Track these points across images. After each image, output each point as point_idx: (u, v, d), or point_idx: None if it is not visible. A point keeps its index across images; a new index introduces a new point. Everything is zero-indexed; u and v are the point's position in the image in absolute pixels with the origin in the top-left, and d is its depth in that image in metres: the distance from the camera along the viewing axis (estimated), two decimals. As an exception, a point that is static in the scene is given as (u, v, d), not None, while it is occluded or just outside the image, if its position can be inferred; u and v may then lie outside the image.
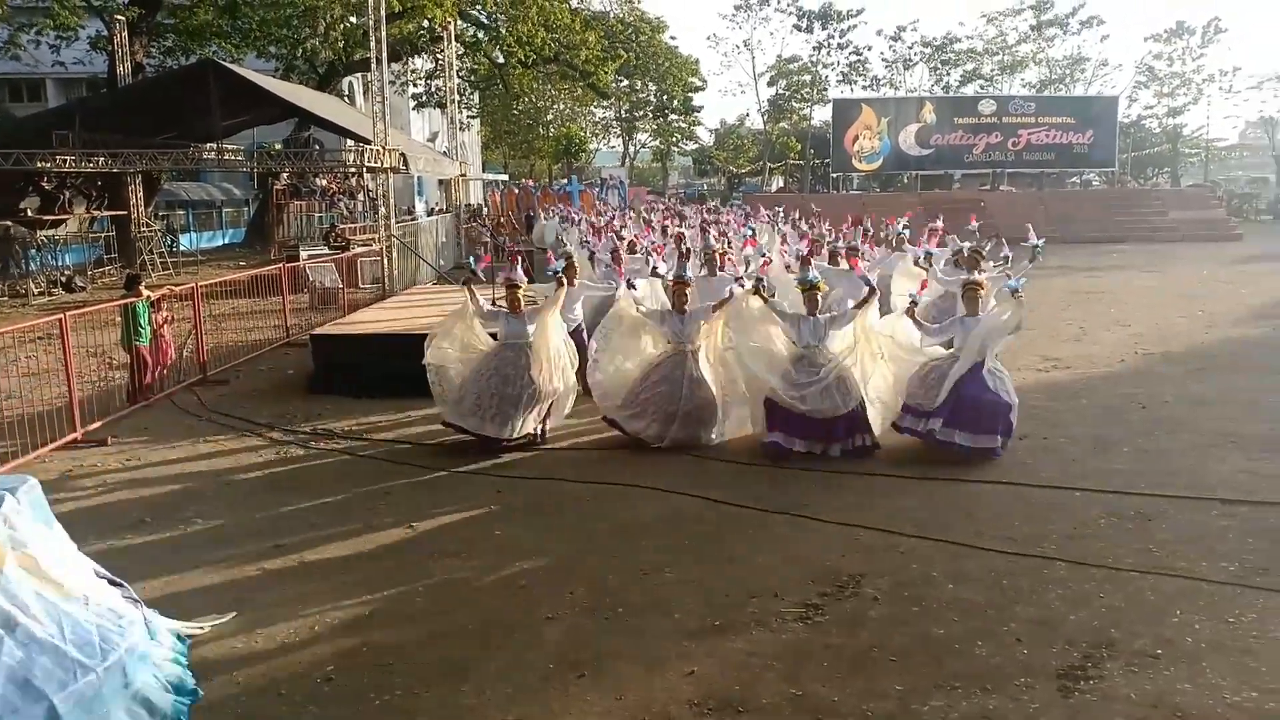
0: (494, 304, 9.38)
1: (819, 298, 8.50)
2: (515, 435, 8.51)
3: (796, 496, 7.23)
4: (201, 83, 20.30)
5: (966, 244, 11.65)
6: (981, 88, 57.97)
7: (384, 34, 20.30)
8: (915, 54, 59.70)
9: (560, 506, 7.20)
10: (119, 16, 26.47)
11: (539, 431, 8.78)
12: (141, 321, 10.53)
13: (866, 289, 8.48)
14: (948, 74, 60.20)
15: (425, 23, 30.89)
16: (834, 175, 45.82)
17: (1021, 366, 11.78)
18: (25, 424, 9.03)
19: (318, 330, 12.49)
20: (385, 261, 19.02)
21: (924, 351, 8.47)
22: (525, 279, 8.95)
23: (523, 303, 8.72)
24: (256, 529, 6.81)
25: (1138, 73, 56.38)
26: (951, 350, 8.31)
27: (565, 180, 45.92)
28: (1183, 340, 13.71)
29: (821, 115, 57.75)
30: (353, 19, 30.15)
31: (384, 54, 20.25)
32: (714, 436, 8.71)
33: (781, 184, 61.98)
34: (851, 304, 8.89)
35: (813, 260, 10.22)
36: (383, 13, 20.42)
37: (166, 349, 11.25)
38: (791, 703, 4.44)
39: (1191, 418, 9.35)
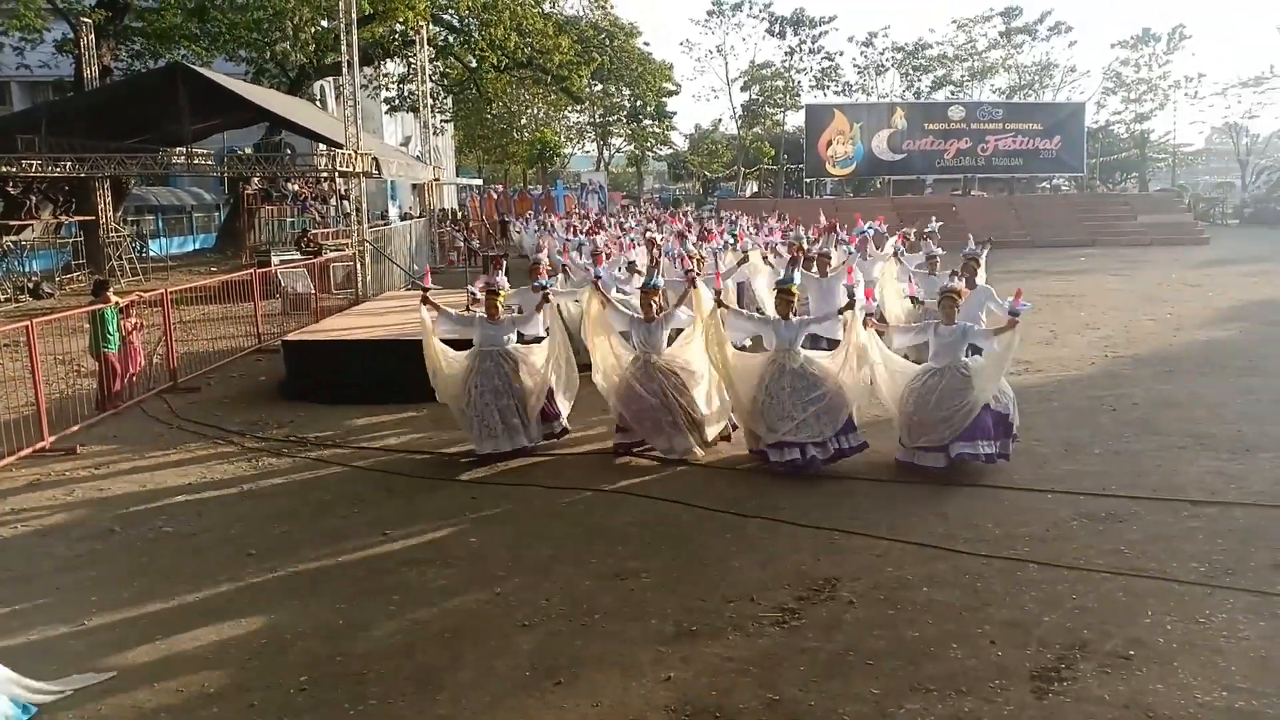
0: (468, 309, 9.27)
1: (793, 302, 8.25)
2: (535, 440, 8.54)
3: (771, 500, 7.25)
4: (170, 86, 20.05)
5: (939, 250, 11.77)
6: (952, 93, 58.47)
7: (355, 37, 20.19)
8: (887, 60, 60.17)
9: (534, 513, 7.17)
10: (85, 19, 26.11)
11: (558, 417, 8.79)
12: (110, 328, 10.40)
13: (847, 299, 8.14)
14: (919, 80, 60.66)
15: (397, 26, 30.75)
16: (807, 180, 46.02)
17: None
18: (-10, 433, 8.89)
19: (290, 336, 12.37)
20: (358, 267, 18.89)
21: (905, 372, 8.10)
22: (507, 285, 8.74)
23: (501, 310, 8.50)
24: (227, 538, 6.73)
25: (1105, 79, 57.00)
26: (926, 364, 8.03)
27: (539, 186, 45.94)
28: (1151, 343, 13.88)
29: (795, 120, 58.09)
30: (323, 22, 29.95)
31: (355, 58, 20.13)
32: (697, 450, 8.38)
33: (755, 189, 62.16)
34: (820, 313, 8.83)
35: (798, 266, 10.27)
36: (354, 16, 20.31)
37: (136, 355, 11.11)
38: (768, 707, 4.44)
39: (1160, 419, 9.47)
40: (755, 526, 6.75)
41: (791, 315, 8.16)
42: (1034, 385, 11.17)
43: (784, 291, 8.19)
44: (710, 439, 8.51)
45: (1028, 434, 8.95)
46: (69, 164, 20.51)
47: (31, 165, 20.24)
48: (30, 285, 21.40)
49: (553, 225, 23.52)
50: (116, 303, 10.61)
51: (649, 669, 4.80)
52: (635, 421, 8.43)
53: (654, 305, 8.43)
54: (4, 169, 19.91)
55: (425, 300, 8.59)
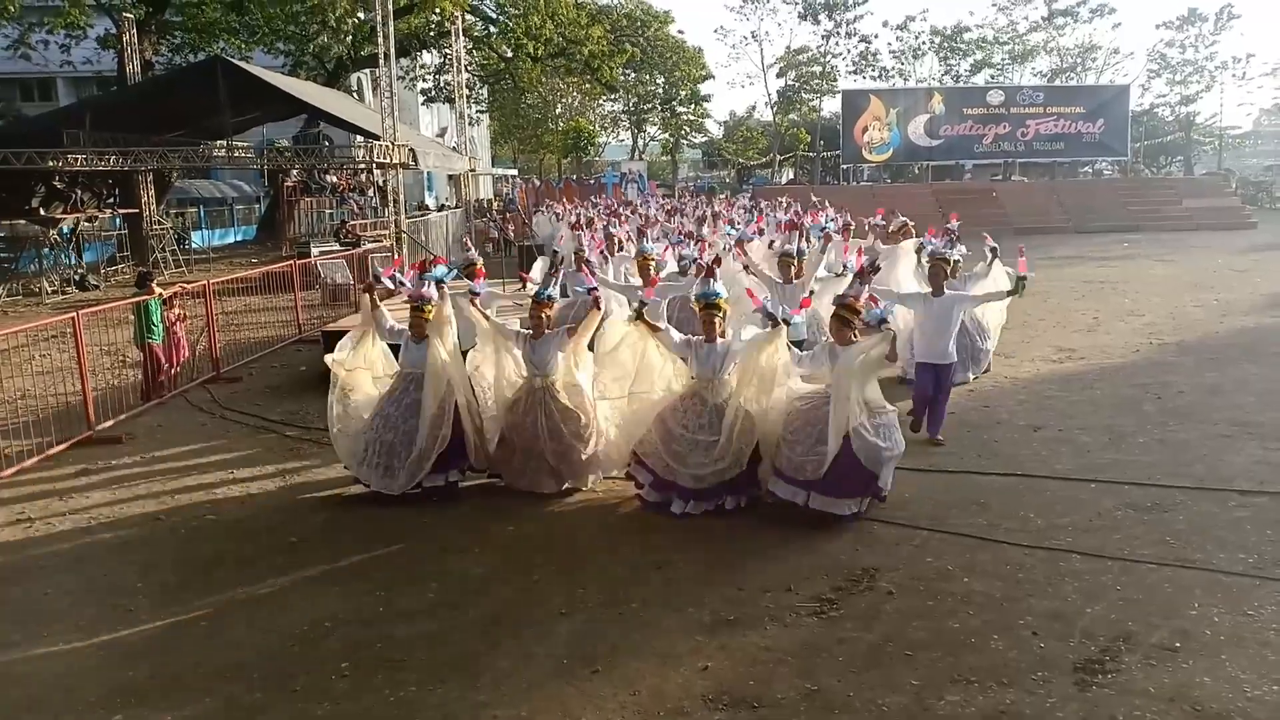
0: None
1: (718, 320, 6.79)
2: (399, 490, 7.03)
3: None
4: (210, 80, 20.29)
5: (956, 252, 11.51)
6: (992, 77, 57.68)
7: (392, 29, 20.31)
8: (924, 44, 59.47)
9: (571, 501, 7.19)
10: (127, 15, 26.51)
11: (448, 481, 7.24)
12: (154, 319, 10.56)
13: (772, 323, 6.62)
14: (957, 64, 59.89)
15: (433, 17, 30.86)
16: (844, 167, 45.65)
17: (1035, 357, 11.74)
18: (40, 422, 9.09)
19: (330, 326, 12.49)
20: (396, 257, 19.03)
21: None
22: (435, 296, 7.19)
23: (428, 327, 7.14)
24: (270, 525, 6.83)
25: (1150, 61, 55.96)
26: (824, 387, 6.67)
27: (576, 175, 45.98)
28: (1197, 330, 13.61)
29: (831, 106, 57.66)
30: (360, 14, 30.14)
31: (392, 49, 20.25)
32: (589, 483, 7.41)
33: (791, 176, 61.75)
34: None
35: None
36: (390, 7, 20.42)
37: (180, 346, 11.28)
38: (806, 698, 4.43)
39: (1206, 408, 9.28)
40: (795, 517, 6.70)
41: (720, 336, 6.80)
42: (1077, 373, 11.01)
43: (708, 307, 6.78)
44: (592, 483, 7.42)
45: (1070, 423, 8.84)
46: (113, 158, 20.86)
47: (77, 159, 20.61)
48: (76, 277, 21.81)
49: (560, 213, 23.45)
50: (160, 294, 10.77)
51: (686, 658, 4.80)
52: (501, 460, 7.38)
53: (543, 319, 7.20)
54: (50, 163, 20.29)
55: (369, 290, 7.52)
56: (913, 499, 6.94)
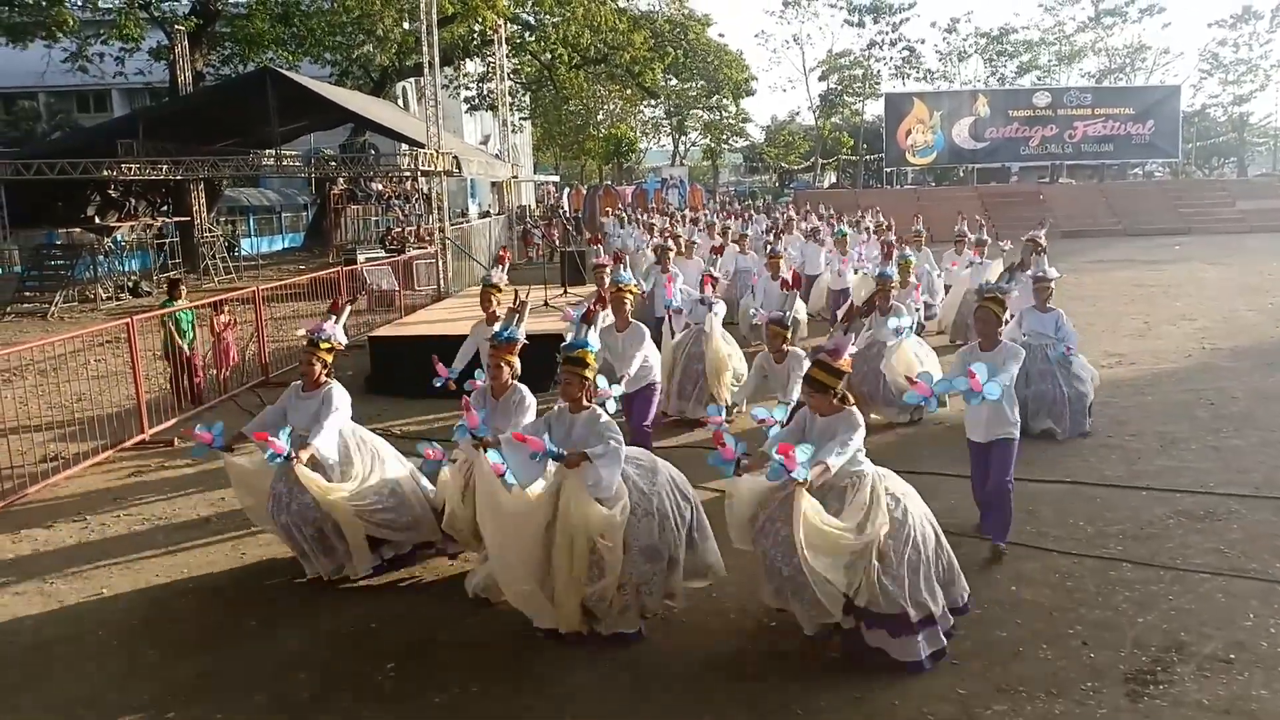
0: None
1: (586, 380, 5.13)
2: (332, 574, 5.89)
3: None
4: (259, 90, 20.71)
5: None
6: (1039, 78, 57.01)
7: (436, 38, 20.54)
8: (970, 46, 58.90)
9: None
10: (179, 27, 27.15)
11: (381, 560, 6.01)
12: (184, 326, 10.74)
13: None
14: (1003, 65, 59.24)
15: (476, 26, 31.17)
16: (887, 170, 45.32)
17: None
18: (96, 425, 9.30)
19: (376, 331, 12.67)
20: (440, 263, 19.23)
21: None
22: (336, 337, 6.27)
23: (319, 373, 6.05)
24: (317, 528, 6.91)
25: (1201, 60, 54.99)
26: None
27: (621, 181, 46.17)
28: (1251, 334, 13.31)
29: (874, 110, 57.28)
30: (405, 24, 30.53)
31: (436, 58, 20.48)
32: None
33: (834, 180, 61.44)
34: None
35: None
36: (434, 17, 20.67)
37: (228, 351, 11.50)
38: (850, 705, 4.39)
39: (1261, 414, 9.07)
40: (836, 522, 6.67)
41: (584, 401, 5.14)
42: (1128, 378, 10.82)
43: (571, 360, 5.11)
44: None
45: (1121, 429, 8.69)
46: (165, 167, 21.35)
47: (130, 169, 21.11)
48: (130, 284, 22.31)
49: (625, 219, 23.59)
50: (188, 305, 10.93)
51: (727, 667, 4.79)
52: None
53: (505, 370, 5.69)
54: (105, 173, 20.81)
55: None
56: (957, 505, 6.85)
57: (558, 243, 26.37)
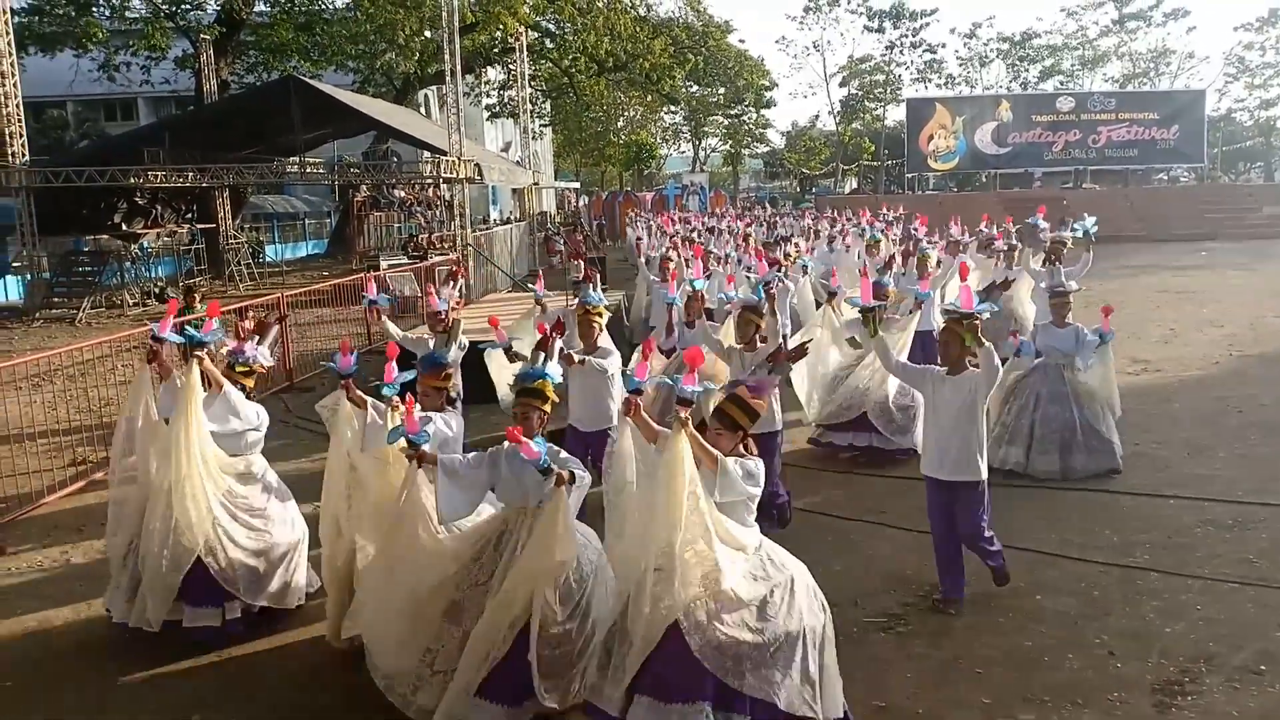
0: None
1: (544, 410, 4.53)
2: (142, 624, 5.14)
3: (874, 502, 7.13)
4: (283, 98, 20.88)
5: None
6: (1061, 83, 56.63)
7: (458, 46, 20.66)
8: (991, 51, 58.64)
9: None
10: (204, 36, 27.46)
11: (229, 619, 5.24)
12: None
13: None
14: (1025, 70, 58.91)
15: (497, 33, 31.33)
16: (909, 175, 45.16)
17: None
18: (122, 431, 9.38)
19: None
20: (462, 270, 19.32)
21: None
22: (258, 360, 5.85)
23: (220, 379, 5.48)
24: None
25: (1227, 64, 54.44)
26: None
27: (640, 188, 46.29)
28: (1279, 341, 13.18)
29: (895, 115, 57.15)
30: (427, 33, 30.74)
31: (458, 66, 20.60)
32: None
33: (855, 185, 61.27)
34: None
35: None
36: (456, 25, 20.79)
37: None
38: (875, 714, 4.38)
39: (1291, 422, 8.97)
40: (857, 529, 6.65)
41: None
42: (1154, 386, 10.72)
43: (528, 392, 4.53)
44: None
45: (1146, 436, 8.61)
46: (191, 174, 21.57)
47: (157, 176, 21.35)
48: (156, 290, 22.53)
49: (651, 225, 23.62)
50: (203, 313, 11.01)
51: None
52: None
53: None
54: (132, 180, 21.04)
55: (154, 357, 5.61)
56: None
57: (581, 250, 26.41)
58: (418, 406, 4.55)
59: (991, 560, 5.49)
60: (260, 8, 29.88)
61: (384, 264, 20.78)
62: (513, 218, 33.00)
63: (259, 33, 30.82)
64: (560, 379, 4.74)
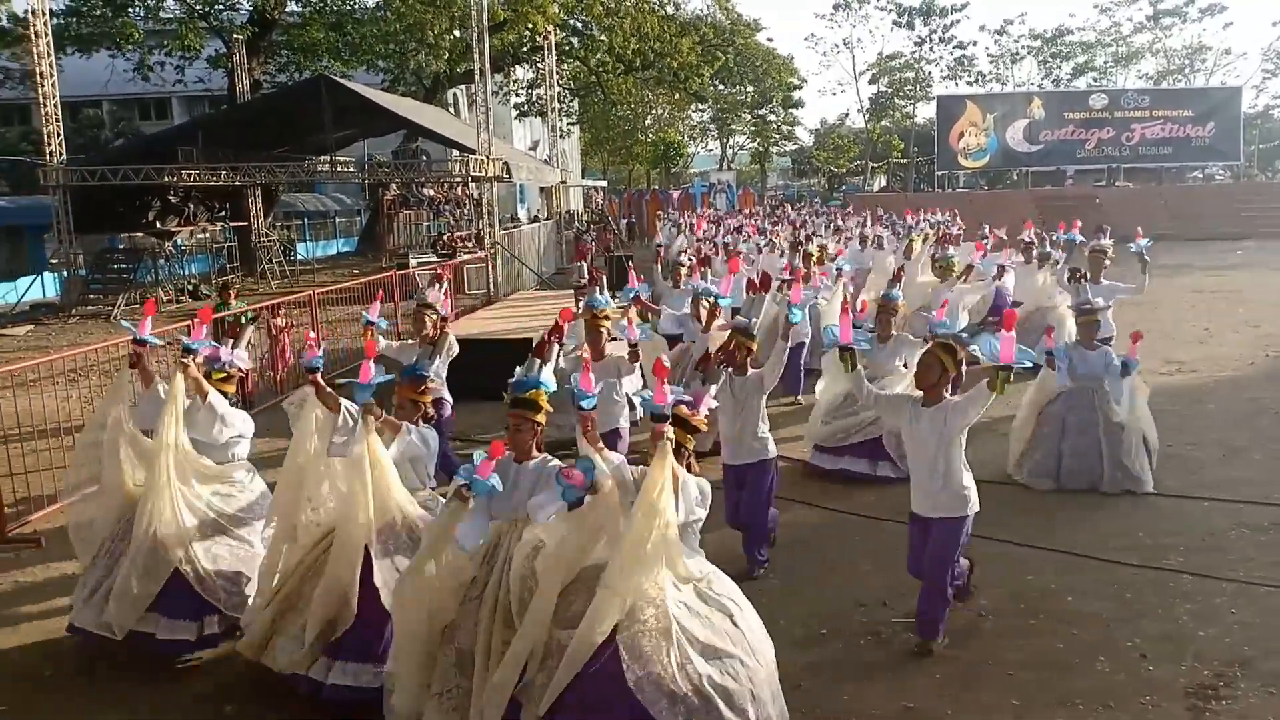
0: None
1: (537, 422, 4.33)
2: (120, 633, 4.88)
3: (902, 503, 7.05)
4: (314, 98, 21.05)
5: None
6: (1094, 80, 55.98)
7: (487, 45, 20.76)
8: (1023, 48, 58.07)
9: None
10: (237, 35, 27.76)
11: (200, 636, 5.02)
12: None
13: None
14: (1058, 67, 58.26)
15: (526, 32, 31.43)
16: (939, 173, 44.82)
17: (1142, 370, 11.27)
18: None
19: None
20: (490, 268, 19.41)
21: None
22: (235, 364, 5.72)
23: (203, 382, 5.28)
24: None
25: (1265, 60, 53.61)
26: None
27: (667, 187, 46.26)
28: (1318, 342, 12.95)
29: (925, 112, 56.72)
30: (457, 32, 30.89)
31: (487, 65, 20.70)
32: None
33: (884, 183, 60.89)
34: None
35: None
36: (485, 24, 20.89)
37: (285, 353, 11.72)
38: (902, 715, 4.37)
39: (1330, 424, 8.83)
40: (886, 531, 6.61)
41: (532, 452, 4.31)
42: (1188, 386, 10.58)
43: (521, 403, 4.30)
44: None
45: (1180, 438, 8.50)
46: (224, 173, 21.82)
47: (190, 174, 21.61)
48: (190, 287, 22.81)
49: (683, 224, 23.58)
50: (244, 309, 11.14)
51: (779, 671, 4.77)
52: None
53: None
54: (166, 178, 21.32)
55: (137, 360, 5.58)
56: (1013, 514, 6.77)
57: (611, 249, 26.51)
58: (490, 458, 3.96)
59: (928, 609, 4.91)
60: (292, 8, 30.15)
61: (413, 262, 20.90)
62: (540, 216, 33.10)
63: (290, 33, 31.10)
64: (555, 387, 4.43)
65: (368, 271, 23.30)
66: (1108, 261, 9.99)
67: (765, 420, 5.93)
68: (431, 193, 31.55)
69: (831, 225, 21.01)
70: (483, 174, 20.35)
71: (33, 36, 20.41)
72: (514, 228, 26.53)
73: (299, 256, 31.88)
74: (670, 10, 39.45)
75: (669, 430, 3.79)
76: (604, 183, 60.13)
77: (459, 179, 23.79)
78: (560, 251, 27.34)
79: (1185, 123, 39.05)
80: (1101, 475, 7.14)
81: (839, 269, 10.99)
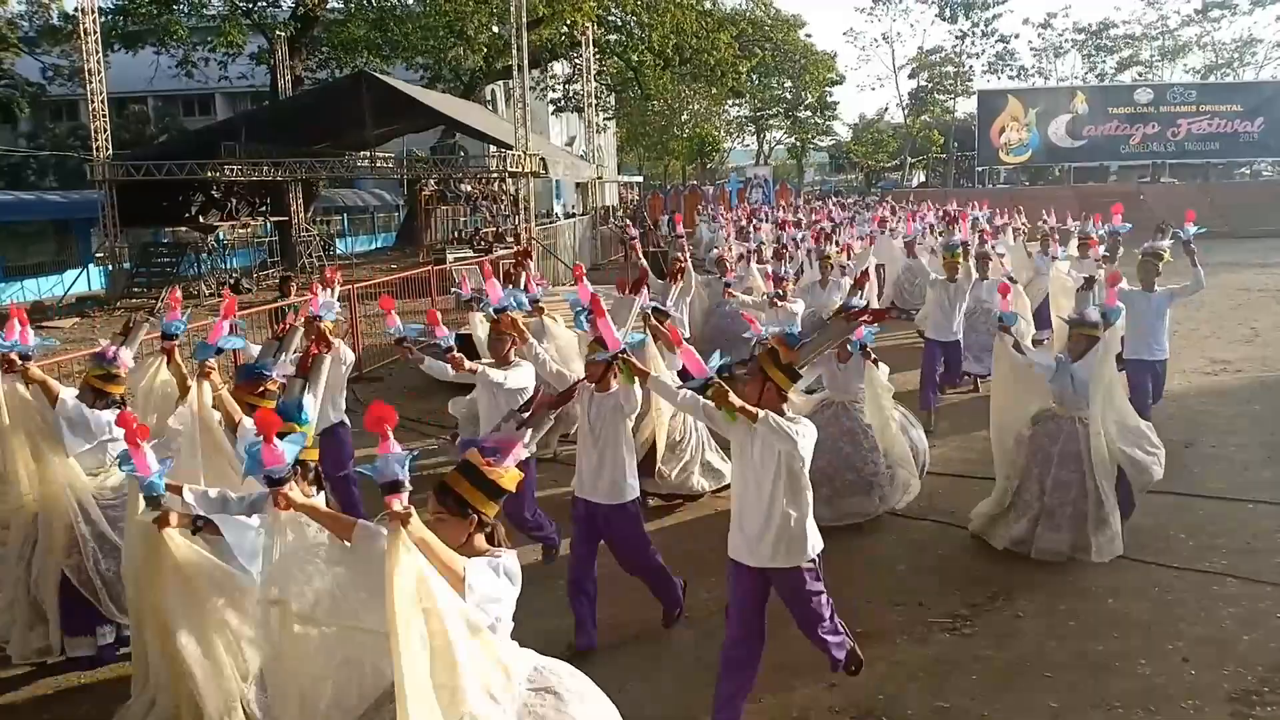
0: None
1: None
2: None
3: (942, 502, 7.03)
4: (355, 94, 21.25)
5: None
6: (1140, 75, 54.96)
7: (525, 41, 20.82)
8: (1067, 41, 57.19)
9: (695, 509, 7.19)
10: (279, 32, 28.10)
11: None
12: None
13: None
14: (1102, 61, 57.32)
15: (564, 28, 31.49)
16: (979, 169, 44.29)
17: (1186, 369, 11.11)
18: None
19: (465, 329, 12.88)
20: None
21: None
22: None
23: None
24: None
25: (1319, 53, 52.31)
26: None
27: (704, 183, 46.13)
28: (1370, 342, 12.65)
29: (966, 107, 55.99)
30: (495, 28, 31.02)
31: (525, 61, 20.76)
32: None
33: (923, 179, 60.27)
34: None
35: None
36: (524, 20, 20.96)
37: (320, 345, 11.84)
38: (937, 714, 4.34)
39: (1381, 426, 8.62)
40: (924, 529, 6.57)
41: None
42: (1234, 386, 10.38)
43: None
44: None
45: (1226, 439, 8.35)
46: (265, 168, 22.10)
47: (232, 170, 21.93)
48: (231, 281, 23.15)
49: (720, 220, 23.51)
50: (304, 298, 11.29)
51: (811, 670, 4.73)
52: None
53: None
54: (209, 174, 21.65)
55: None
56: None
57: (647, 245, 26.51)
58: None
59: (835, 652, 4.27)
60: (333, 4, 30.47)
61: (450, 257, 21.05)
62: (574, 212, 33.18)
63: (331, 29, 31.41)
64: (311, 420, 3.88)
65: (405, 266, 23.50)
66: (1160, 266, 8.77)
67: (631, 452, 4.94)
68: (469, 188, 31.74)
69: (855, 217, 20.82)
70: (520, 170, 20.44)
71: (81, 34, 20.81)
72: (550, 223, 26.62)
73: (338, 251, 32.20)
74: (708, 5, 39.32)
75: (402, 500, 2.89)
76: (639, 178, 60.07)
77: (496, 174, 23.93)
78: (596, 247, 27.36)
79: (1233, 118, 38.31)
80: (1087, 517, 5.80)
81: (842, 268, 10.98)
